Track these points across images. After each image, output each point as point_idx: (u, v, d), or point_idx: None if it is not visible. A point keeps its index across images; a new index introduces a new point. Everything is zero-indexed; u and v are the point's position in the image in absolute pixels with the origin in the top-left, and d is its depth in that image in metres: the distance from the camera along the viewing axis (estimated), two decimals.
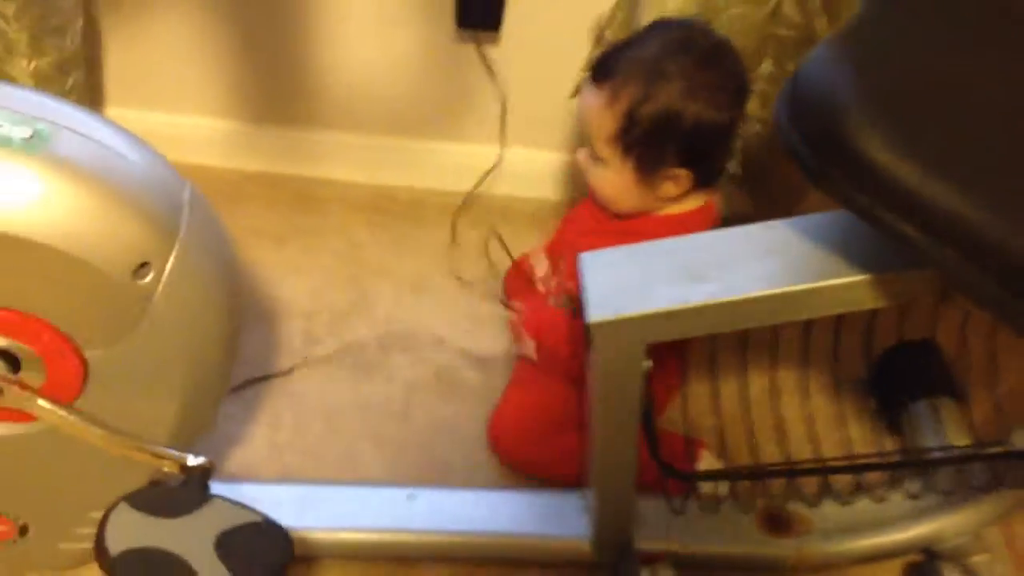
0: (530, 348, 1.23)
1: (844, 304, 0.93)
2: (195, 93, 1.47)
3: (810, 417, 1.25)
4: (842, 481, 1.17)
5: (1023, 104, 0.85)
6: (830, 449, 1.22)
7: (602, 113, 1.11)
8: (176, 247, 0.86)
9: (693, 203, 1.16)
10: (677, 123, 1.08)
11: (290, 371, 1.29)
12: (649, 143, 1.10)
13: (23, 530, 1.01)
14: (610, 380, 0.98)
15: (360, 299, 1.39)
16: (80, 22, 1.32)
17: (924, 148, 0.81)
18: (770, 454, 1.21)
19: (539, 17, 1.37)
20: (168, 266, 0.86)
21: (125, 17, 1.41)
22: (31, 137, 0.82)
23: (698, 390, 1.29)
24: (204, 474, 0.90)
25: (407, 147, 1.50)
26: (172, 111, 1.48)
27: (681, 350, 1.26)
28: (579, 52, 1.32)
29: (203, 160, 1.49)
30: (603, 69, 1.12)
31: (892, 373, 1.34)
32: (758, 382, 1.30)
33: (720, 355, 1.31)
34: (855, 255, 0.91)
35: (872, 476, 1.19)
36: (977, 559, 1.17)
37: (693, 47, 1.10)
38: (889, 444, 1.29)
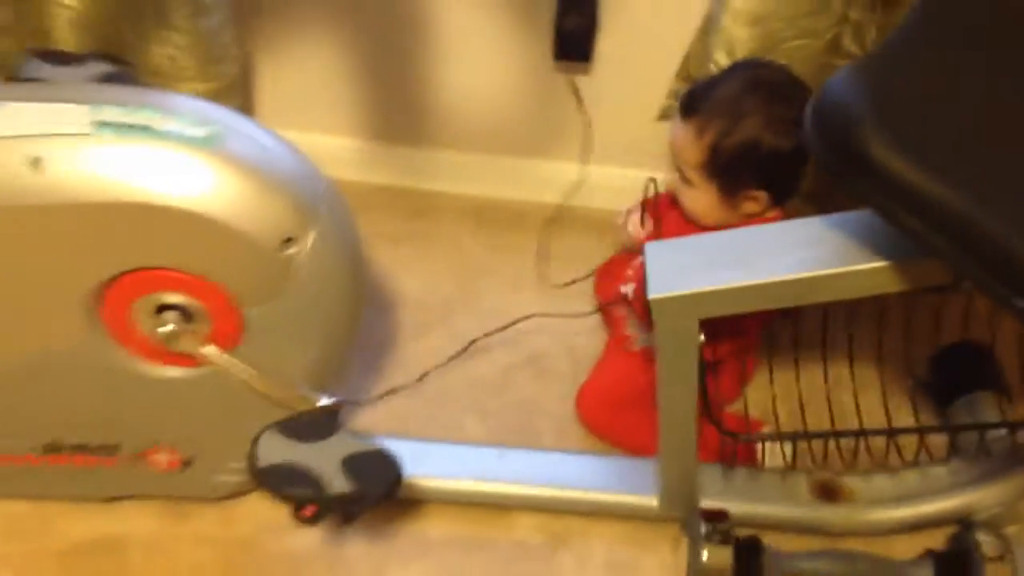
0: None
1: (863, 288, 1.09)
2: (331, 115, 1.71)
3: (859, 406, 1.39)
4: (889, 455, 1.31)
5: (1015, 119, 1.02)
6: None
7: (691, 145, 1.30)
8: (315, 227, 1.08)
9: (771, 215, 1.34)
10: (754, 153, 1.27)
11: (422, 377, 1.48)
12: (731, 170, 1.29)
13: (187, 462, 1.24)
14: (669, 352, 1.16)
15: (466, 294, 1.60)
16: (239, 54, 1.57)
17: (926, 153, 0.97)
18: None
19: (624, 51, 1.56)
20: (308, 241, 1.08)
21: (275, 51, 1.65)
22: (207, 136, 1.05)
23: (761, 383, 1.45)
24: (334, 411, 1.12)
25: (508, 164, 1.71)
26: (313, 131, 1.72)
27: (745, 346, 1.42)
28: (658, 82, 1.51)
29: (337, 174, 1.70)
30: (690, 106, 1.32)
31: (944, 370, 1.49)
32: (817, 378, 1.43)
33: (780, 353, 1.45)
34: (873, 246, 1.07)
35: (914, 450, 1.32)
36: (1011, 529, 1.30)
37: (766, 85, 1.29)
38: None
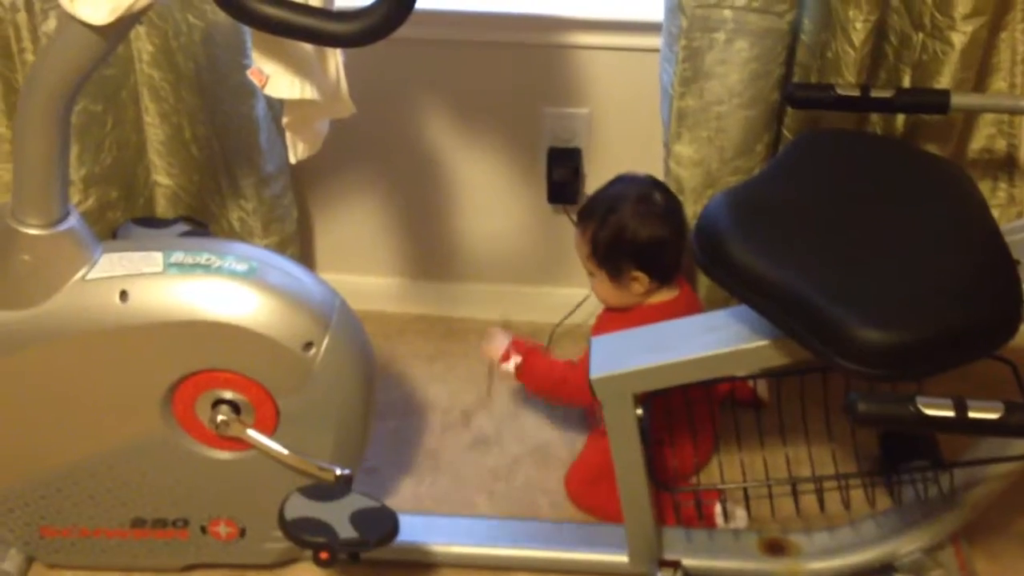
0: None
1: (757, 362, 1.37)
2: (374, 259, 2.07)
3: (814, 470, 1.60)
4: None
5: (833, 227, 1.32)
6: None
7: (581, 242, 1.67)
8: (328, 333, 1.42)
9: (667, 295, 1.66)
10: (623, 240, 1.62)
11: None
12: (610, 258, 1.63)
13: (242, 532, 1.56)
14: (614, 424, 1.44)
15: (483, 399, 1.91)
16: (295, 213, 1.95)
17: (769, 252, 1.29)
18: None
19: None
20: (324, 345, 1.41)
21: (327, 208, 2.04)
22: (247, 269, 1.41)
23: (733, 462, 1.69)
24: (348, 479, 1.43)
25: (522, 291, 2.04)
26: (360, 273, 2.08)
27: (695, 429, 1.67)
28: None
29: (380, 307, 2.07)
30: (580, 213, 1.70)
31: (889, 446, 1.72)
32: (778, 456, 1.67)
33: (746, 435, 1.70)
34: (757, 331, 1.35)
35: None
36: (933, 574, 1.51)
37: (633, 188, 1.65)
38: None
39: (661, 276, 1.65)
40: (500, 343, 1.73)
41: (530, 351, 1.72)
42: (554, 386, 1.70)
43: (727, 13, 1.60)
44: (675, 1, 1.62)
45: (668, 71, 1.69)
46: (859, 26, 1.59)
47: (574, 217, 1.74)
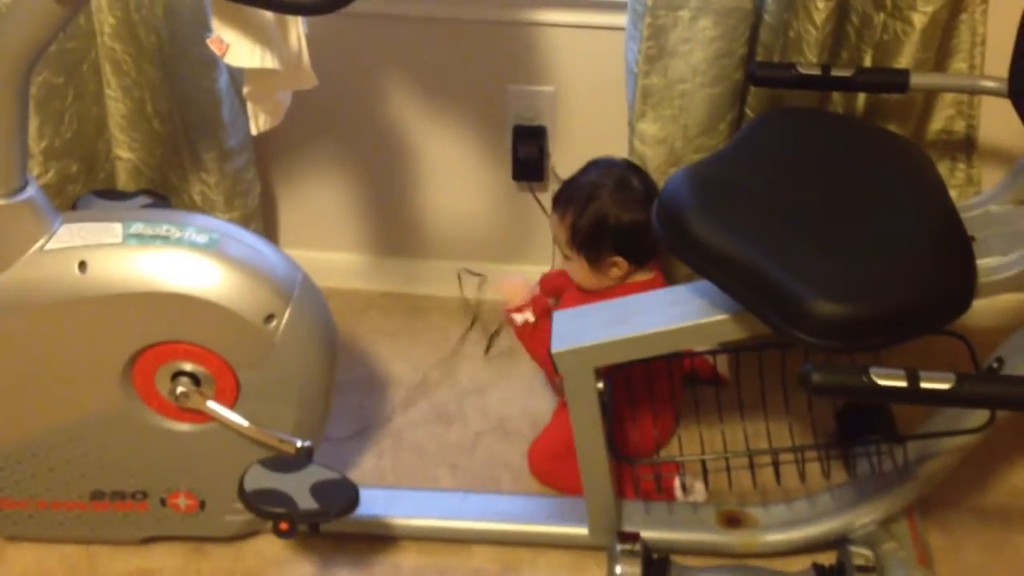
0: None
1: (718, 336, 1.38)
2: (338, 235, 2.07)
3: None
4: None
5: (793, 203, 1.34)
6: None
7: (560, 228, 1.66)
8: (290, 306, 1.41)
9: (642, 276, 1.66)
10: (604, 226, 1.61)
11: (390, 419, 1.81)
12: (589, 243, 1.63)
13: (202, 505, 1.55)
14: (575, 397, 1.45)
15: (447, 374, 1.92)
16: (259, 188, 1.94)
17: (729, 227, 1.30)
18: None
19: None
20: (285, 317, 1.41)
21: (290, 184, 2.03)
22: (208, 241, 1.40)
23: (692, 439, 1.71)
24: (309, 451, 1.43)
25: (487, 269, 2.04)
26: (324, 249, 2.08)
27: (656, 407, 1.68)
28: None
29: (344, 283, 2.07)
30: (557, 199, 1.69)
31: (846, 422, 1.74)
32: (736, 431, 1.69)
33: (705, 410, 1.71)
34: (717, 305, 1.36)
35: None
36: (887, 546, 1.53)
37: (612, 175, 1.64)
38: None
39: (639, 259, 1.65)
40: (521, 293, 1.68)
41: (544, 314, 1.67)
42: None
43: None
44: None
45: (633, 49, 1.69)
46: (821, 5, 1.60)
47: (542, 198, 1.73)
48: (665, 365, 1.61)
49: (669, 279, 1.74)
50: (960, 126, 1.78)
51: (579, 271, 1.68)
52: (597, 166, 1.69)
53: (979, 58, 1.71)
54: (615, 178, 1.64)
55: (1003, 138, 1.79)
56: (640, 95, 1.70)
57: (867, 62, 1.68)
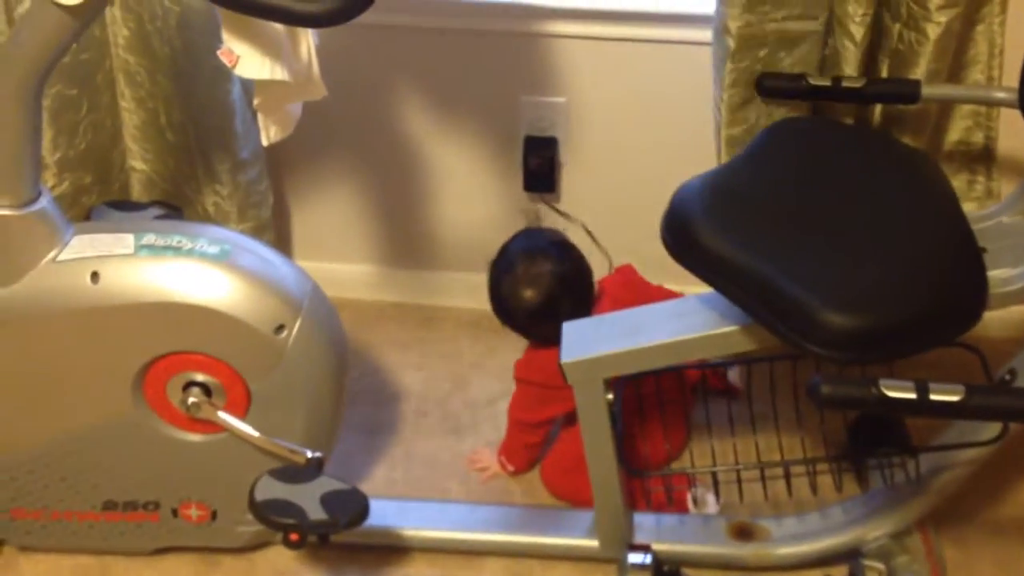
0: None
1: (727, 347, 1.38)
2: (350, 247, 2.07)
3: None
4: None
5: (803, 214, 1.33)
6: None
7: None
8: (301, 317, 1.42)
9: None
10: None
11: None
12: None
13: (214, 515, 1.56)
14: (585, 408, 1.45)
15: (458, 385, 1.91)
16: (271, 199, 1.95)
17: (739, 238, 1.29)
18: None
19: (585, 182, 1.91)
20: (296, 328, 1.41)
21: (303, 195, 2.04)
22: (219, 252, 1.41)
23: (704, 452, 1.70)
24: (319, 462, 1.43)
25: None
26: (336, 260, 2.08)
27: (667, 420, 1.67)
28: (614, 205, 1.84)
29: (356, 294, 2.07)
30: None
31: (859, 435, 1.73)
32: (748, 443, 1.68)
33: (717, 422, 1.70)
34: (724, 317, 1.36)
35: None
36: (900, 559, 1.52)
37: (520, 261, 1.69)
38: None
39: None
40: (488, 461, 1.75)
41: (502, 448, 1.74)
42: (520, 435, 1.71)
43: None
44: None
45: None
46: (858, 20, 1.59)
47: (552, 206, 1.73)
48: (676, 381, 1.61)
49: None
50: (978, 138, 1.76)
51: None
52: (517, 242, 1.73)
53: (997, 69, 1.69)
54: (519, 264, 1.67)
55: (1021, 149, 1.77)
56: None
57: (883, 72, 1.67)
